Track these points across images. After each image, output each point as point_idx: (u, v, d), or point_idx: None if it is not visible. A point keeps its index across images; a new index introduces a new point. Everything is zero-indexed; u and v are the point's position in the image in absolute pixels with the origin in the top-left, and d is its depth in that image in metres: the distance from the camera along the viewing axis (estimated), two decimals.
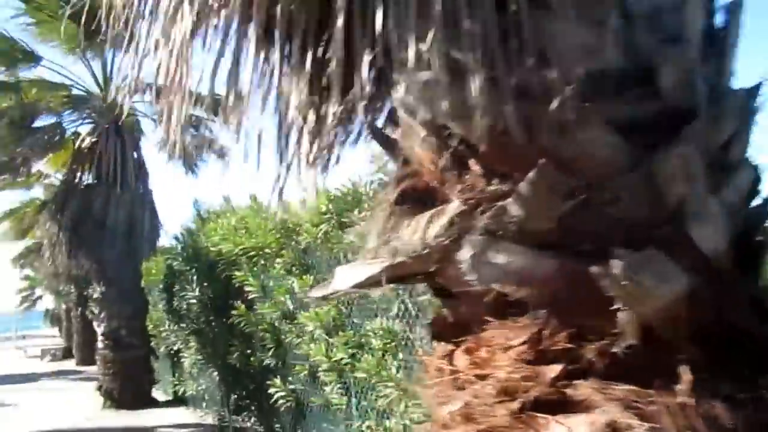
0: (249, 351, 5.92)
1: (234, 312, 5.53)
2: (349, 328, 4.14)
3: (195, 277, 7.21)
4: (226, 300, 6.22)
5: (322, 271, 4.47)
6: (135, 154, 9.56)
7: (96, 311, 9.47)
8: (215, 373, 7.24)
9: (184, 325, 8.07)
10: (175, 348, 8.63)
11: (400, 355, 3.55)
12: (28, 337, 36.88)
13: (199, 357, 7.56)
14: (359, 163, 3.97)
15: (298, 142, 1.52)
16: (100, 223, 9.02)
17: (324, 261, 4.44)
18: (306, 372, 4.69)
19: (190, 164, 10.83)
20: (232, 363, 6.19)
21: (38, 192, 18.12)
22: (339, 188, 4.04)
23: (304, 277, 4.50)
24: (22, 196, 18.88)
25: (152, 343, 9.81)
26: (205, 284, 7.13)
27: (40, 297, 32.98)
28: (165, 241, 10.02)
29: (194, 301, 7.32)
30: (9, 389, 12.92)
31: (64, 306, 23.76)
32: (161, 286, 9.88)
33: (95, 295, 9.61)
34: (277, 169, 1.52)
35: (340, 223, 4.05)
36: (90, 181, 9.46)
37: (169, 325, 8.48)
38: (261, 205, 5.36)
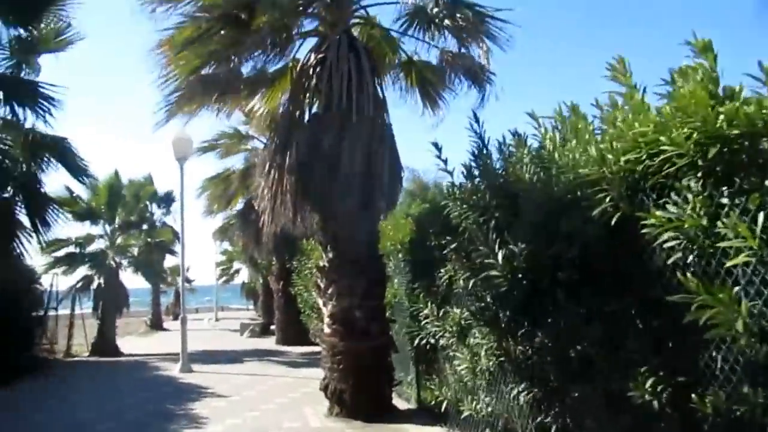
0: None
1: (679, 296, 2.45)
2: None
3: (503, 231, 4.33)
4: (598, 273, 3.23)
5: None
6: (372, 75, 6.99)
7: (322, 285, 7.14)
8: (524, 392, 4.34)
9: (458, 310, 5.30)
10: (434, 341, 5.96)
11: None
12: (226, 310, 38.61)
13: (495, 361, 4.70)
14: None
15: None
16: (330, 166, 6.60)
17: None
18: None
19: (430, 96, 8.08)
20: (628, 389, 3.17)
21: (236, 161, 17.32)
22: None
23: None
24: (219, 166, 18.25)
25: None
26: (523, 245, 4.24)
27: (237, 271, 33.87)
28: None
29: (497, 272, 4.46)
30: (216, 371, 11.51)
31: (261, 280, 23.22)
32: (401, 255, 7.36)
33: (321, 263, 7.29)
34: None
35: None
36: (317, 110, 7.11)
37: (430, 308, 5.79)
38: None
